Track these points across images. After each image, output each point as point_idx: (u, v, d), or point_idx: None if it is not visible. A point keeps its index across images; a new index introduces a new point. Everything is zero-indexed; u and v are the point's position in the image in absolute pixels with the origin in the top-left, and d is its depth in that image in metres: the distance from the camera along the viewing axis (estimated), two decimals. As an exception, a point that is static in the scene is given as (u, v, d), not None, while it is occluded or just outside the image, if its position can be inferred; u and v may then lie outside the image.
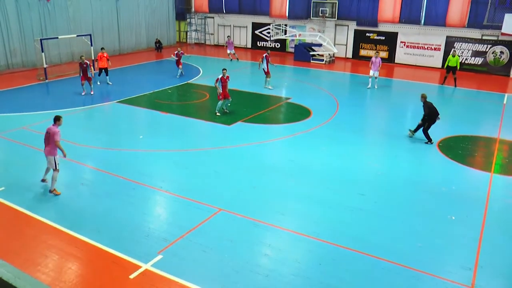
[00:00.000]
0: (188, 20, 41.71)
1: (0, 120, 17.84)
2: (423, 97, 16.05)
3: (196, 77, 26.76)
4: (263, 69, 23.93)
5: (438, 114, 15.75)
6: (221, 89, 18.38)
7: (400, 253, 9.30)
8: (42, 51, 24.86)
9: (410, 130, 16.47)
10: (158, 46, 37.26)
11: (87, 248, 9.41)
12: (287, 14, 36.31)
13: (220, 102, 18.69)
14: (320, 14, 34.26)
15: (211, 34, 41.18)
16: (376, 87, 24.56)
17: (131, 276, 8.42)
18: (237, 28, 39.35)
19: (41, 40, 24.80)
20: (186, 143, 15.66)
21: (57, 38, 27.05)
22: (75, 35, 28.54)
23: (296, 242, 9.71)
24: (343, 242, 9.64)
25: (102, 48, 25.04)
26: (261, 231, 10.04)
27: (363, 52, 33.83)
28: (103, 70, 24.12)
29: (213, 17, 40.62)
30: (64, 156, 11.63)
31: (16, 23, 27.58)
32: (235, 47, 36.05)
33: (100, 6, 33.32)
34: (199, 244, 9.47)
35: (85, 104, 20.32)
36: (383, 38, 32.78)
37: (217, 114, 18.70)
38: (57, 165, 11.74)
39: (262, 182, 12.57)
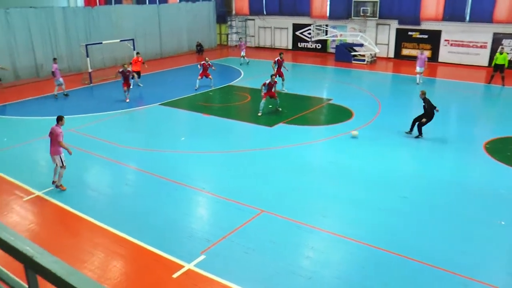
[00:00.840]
0: (229, 22, 42.05)
1: (50, 122, 18.43)
2: (423, 94, 15.98)
3: (237, 79, 26.90)
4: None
5: (435, 107, 15.72)
6: (265, 91, 18.65)
7: (446, 258, 9.00)
8: (87, 56, 25.61)
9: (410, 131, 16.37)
10: (199, 49, 37.63)
11: (131, 247, 9.61)
12: (327, 15, 36.05)
13: (262, 102, 18.76)
14: (361, 13, 33.82)
15: (252, 36, 41.32)
16: (420, 82, 24.65)
17: (174, 276, 8.51)
18: (278, 30, 39.36)
19: (86, 45, 25.64)
20: (227, 144, 15.74)
21: (101, 43, 27.89)
22: (119, 40, 29.27)
23: (338, 244, 9.58)
24: (386, 245, 9.43)
25: (137, 53, 25.75)
26: (303, 233, 9.97)
27: (405, 52, 33.13)
28: (135, 73, 24.53)
29: (253, 19, 40.75)
30: (70, 153, 11.80)
31: (63, 30, 28.56)
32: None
33: (142, 11, 34.09)
34: (241, 245, 9.49)
35: (128, 107, 20.76)
36: (426, 36, 31.98)
37: (259, 114, 18.78)
38: (63, 162, 12.01)
39: (303, 183, 12.48)
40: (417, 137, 16.00)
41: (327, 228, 10.11)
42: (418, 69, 24.72)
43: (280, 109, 19.32)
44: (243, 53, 31.96)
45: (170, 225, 10.39)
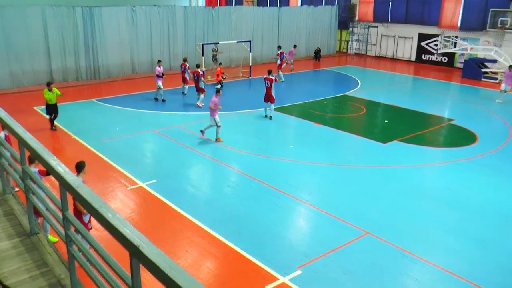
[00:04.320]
0: (351, 29, 41.67)
1: (161, 117, 19.81)
2: None
3: (354, 89, 26.53)
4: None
5: None
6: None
7: None
8: (203, 55, 26.82)
9: None
10: (317, 55, 37.58)
11: (226, 250, 9.81)
12: (458, 25, 34.12)
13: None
14: (498, 25, 31.49)
15: (373, 44, 40.53)
16: (501, 101, 24.06)
17: (267, 287, 8.56)
18: (402, 39, 38.22)
19: (203, 44, 26.93)
20: (336, 157, 15.57)
21: (218, 43, 29.10)
22: (235, 41, 30.28)
23: (445, 281, 8.97)
24: (505, 289, 8.69)
25: (220, 64, 25.80)
26: (408, 262, 9.51)
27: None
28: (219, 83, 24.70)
29: (376, 26, 39.99)
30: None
31: (182, 28, 30.17)
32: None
33: (262, 13, 34.88)
34: (341, 265, 9.29)
35: (240, 109, 21.33)
36: None
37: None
38: (217, 123, 15.98)
39: (413, 207, 11.96)
40: None
41: (434, 261, 9.54)
42: (503, 86, 24.12)
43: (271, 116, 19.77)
44: (288, 61, 30.86)
45: (268, 234, 10.45)
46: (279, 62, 28.06)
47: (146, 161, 15.04)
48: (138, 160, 14.93)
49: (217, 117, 16.21)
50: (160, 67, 22.33)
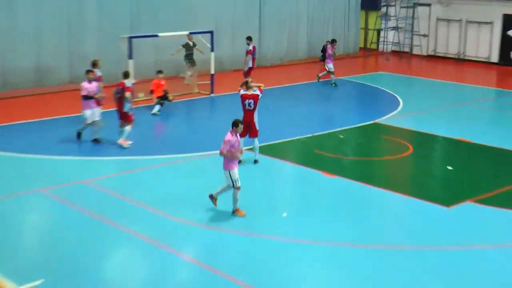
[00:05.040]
0: (384, 9, 32.33)
1: (54, 165, 15.81)
2: None
3: (391, 114, 20.87)
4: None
5: None
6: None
7: None
8: (130, 58, 20.22)
9: None
10: (324, 55, 27.79)
11: None
12: None
13: None
14: None
15: (424, 35, 31.78)
16: None
17: None
18: (473, 26, 29.21)
19: (129, 38, 20.46)
20: (365, 232, 11.89)
21: (157, 35, 22.35)
22: (187, 32, 23.04)
23: None
24: None
25: (159, 72, 20.22)
26: None
27: None
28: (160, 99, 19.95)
29: (429, 5, 31.10)
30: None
31: (94, 14, 23.52)
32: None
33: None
34: None
35: (197, 150, 16.57)
36: None
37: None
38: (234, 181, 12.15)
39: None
40: None
41: None
42: None
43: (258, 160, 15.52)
44: (330, 68, 24.49)
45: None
46: (249, 64, 22.43)
47: (26, 246, 11.32)
48: (11, 246, 11.07)
49: (235, 172, 12.03)
50: (90, 82, 16.55)
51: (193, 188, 13.96)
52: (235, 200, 11.93)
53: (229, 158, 12.00)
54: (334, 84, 24.64)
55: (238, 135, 12.10)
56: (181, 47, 23.05)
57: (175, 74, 24.48)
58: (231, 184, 11.99)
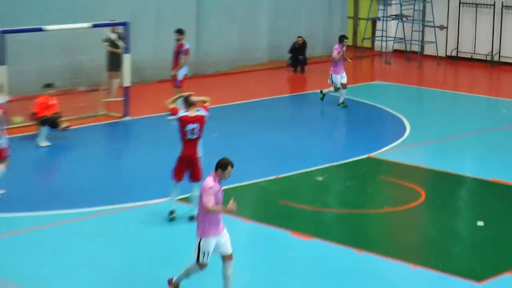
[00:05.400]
0: None
1: None
2: None
3: (394, 143, 17.48)
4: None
5: None
6: None
7: None
8: (2, 64, 17.23)
9: None
10: (297, 58, 24.26)
11: None
12: None
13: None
14: None
15: (441, 27, 25.78)
16: None
17: None
18: (510, 11, 23.95)
19: (2, 32, 17.14)
20: None
21: (41, 29, 18.94)
22: (90, 24, 19.22)
23: None
24: None
25: (47, 85, 17.26)
26: None
27: None
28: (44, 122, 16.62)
29: None
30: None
31: None
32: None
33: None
34: None
35: (105, 202, 14.00)
36: None
37: None
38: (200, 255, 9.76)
39: None
40: None
41: None
42: None
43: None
44: (341, 79, 19.90)
45: None
46: (185, 71, 18.24)
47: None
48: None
49: (209, 243, 9.74)
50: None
51: (102, 264, 10.44)
52: (185, 274, 9.54)
53: (213, 216, 9.65)
54: (342, 105, 20.06)
55: (218, 180, 9.66)
56: (105, 43, 19.37)
57: (71, 87, 19.70)
58: (196, 257, 9.61)
